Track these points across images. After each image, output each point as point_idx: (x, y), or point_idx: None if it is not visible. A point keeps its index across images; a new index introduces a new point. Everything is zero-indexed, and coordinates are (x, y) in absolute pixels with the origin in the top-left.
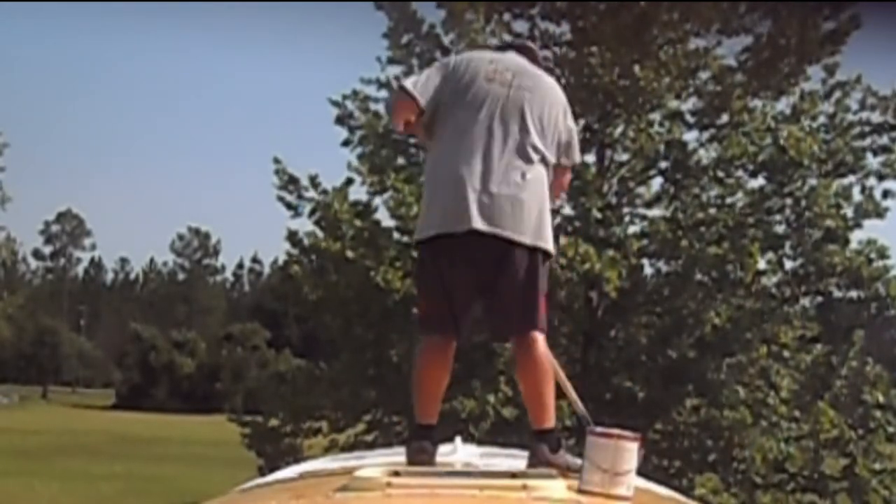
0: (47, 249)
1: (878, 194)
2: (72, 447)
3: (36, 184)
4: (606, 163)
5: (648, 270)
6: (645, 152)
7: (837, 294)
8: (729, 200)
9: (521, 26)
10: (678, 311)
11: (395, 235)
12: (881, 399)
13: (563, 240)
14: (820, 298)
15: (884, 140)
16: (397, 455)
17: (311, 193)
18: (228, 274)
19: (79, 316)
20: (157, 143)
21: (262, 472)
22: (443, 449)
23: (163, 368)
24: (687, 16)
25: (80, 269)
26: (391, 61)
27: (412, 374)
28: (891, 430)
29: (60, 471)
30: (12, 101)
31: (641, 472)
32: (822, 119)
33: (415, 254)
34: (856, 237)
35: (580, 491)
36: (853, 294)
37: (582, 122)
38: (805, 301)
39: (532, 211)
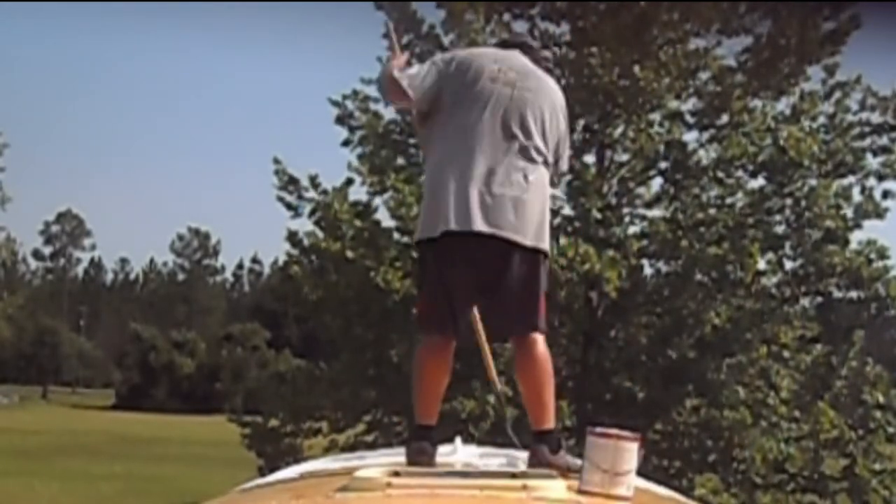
0: (47, 249)
1: (877, 195)
2: (72, 447)
3: (36, 184)
4: (606, 163)
5: (648, 270)
6: (645, 152)
7: (837, 294)
8: (729, 201)
9: (521, 26)
10: (678, 311)
11: (395, 236)
12: (881, 399)
13: (563, 240)
14: (820, 299)
15: (884, 140)
16: (397, 455)
17: (311, 193)
18: (228, 274)
19: (79, 316)
20: (157, 143)
21: (262, 472)
22: (443, 449)
23: (163, 368)
24: (687, 16)
25: (80, 270)
26: None
27: (412, 374)
28: (891, 430)
29: (60, 471)
30: (12, 101)
31: (641, 472)
32: (822, 119)
33: (415, 254)
34: (856, 237)
35: (580, 491)
36: (853, 294)
37: (582, 122)
38: (805, 301)
39: (534, 212)
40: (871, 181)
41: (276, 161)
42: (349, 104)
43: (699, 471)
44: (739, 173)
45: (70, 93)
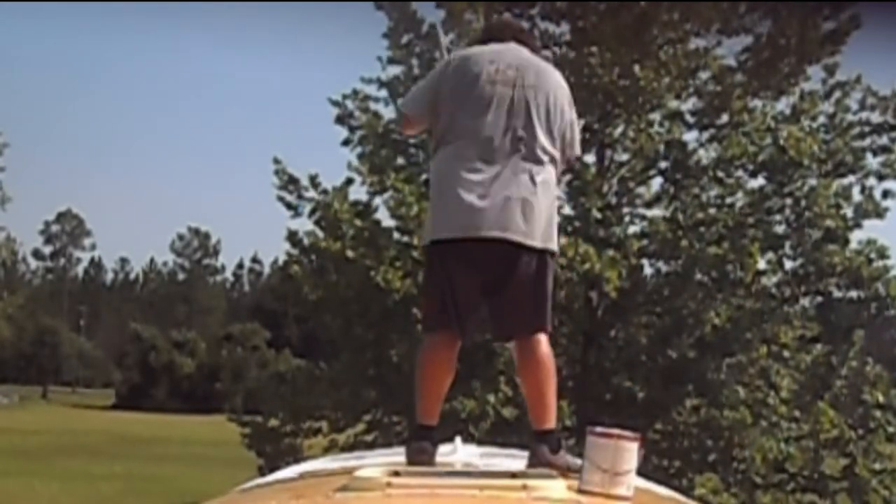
0: (47, 249)
1: (877, 194)
2: (72, 447)
3: (36, 184)
4: (606, 163)
5: (648, 270)
6: (645, 152)
7: (837, 294)
8: (729, 200)
9: None
10: (678, 311)
11: (395, 235)
12: (881, 399)
13: (562, 240)
14: (820, 298)
15: (883, 140)
16: (397, 455)
17: (311, 193)
18: (228, 274)
19: (79, 316)
20: (157, 143)
21: (262, 472)
22: (443, 449)
23: (163, 368)
24: (687, 16)
25: (80, 269)
26: (391, 61)
27: (415, 373)
28: (891, 430)
29: (60, 471)
30: (12, 101)
31: (641, 472)
32: (821, 119)
33: (415, 254)
34: (856, 237)
35: (580, 491)
36: (853, 294)
37: (582, 122)
38: (805, 301)
39: (542, 214)
40: (871, 181)
41: (276, 161)
42: (349, 104)
43: (699, 471)
44: (739, 173)
45: (70, 93)
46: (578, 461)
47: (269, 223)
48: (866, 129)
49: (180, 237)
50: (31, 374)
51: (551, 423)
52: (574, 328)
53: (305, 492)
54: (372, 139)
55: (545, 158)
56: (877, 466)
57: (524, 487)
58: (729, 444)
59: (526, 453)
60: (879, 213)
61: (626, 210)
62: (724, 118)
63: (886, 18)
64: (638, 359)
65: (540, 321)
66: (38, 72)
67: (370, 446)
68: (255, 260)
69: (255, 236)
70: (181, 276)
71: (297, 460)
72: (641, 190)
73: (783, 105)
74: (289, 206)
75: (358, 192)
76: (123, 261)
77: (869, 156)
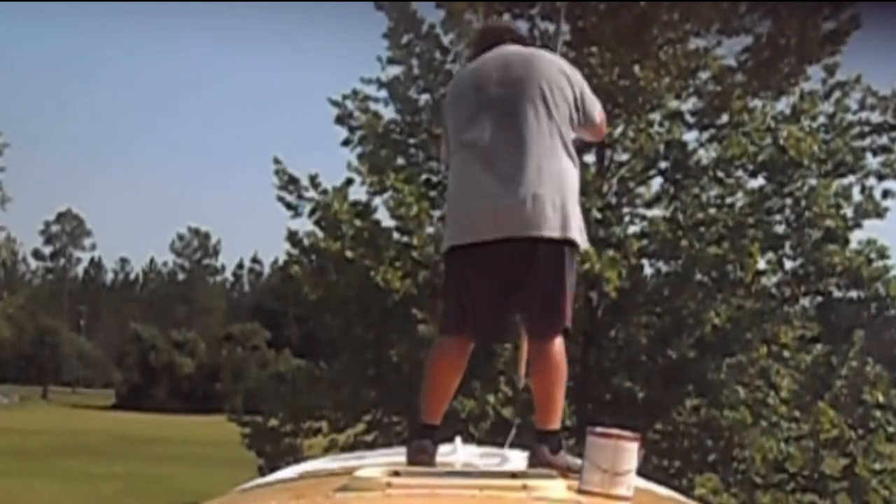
0: (47, 249)
1: (877, 194)
2: (72, 447)
3: (36, 184)
4: (606, 163)
5: (648, 270)
6: (645, 152)
7: (837, 294)
8: (729, 200)
9: (520, 26)
10: (678, 311)
11: (395, 235)
12: (881, 399)
13: None
14: (820, 298)
15: (883, 140)
16: (397, 455)
17: (311, 193)
18: (228, 274)
19: (79, 316)
20: (157, 143)
21: (262, 472)
22: (443, 449)
23: (163, 368)
24: (687, 16)
25: (80, 269)
26: (391, 61)
27: (423, 371)
28: (891, 430)
29: (60, 471)
30: (12, 101)
31: (641, 472)
32: (821, 119)
33: (415, 254)
34: (856, 237)
35: (580, 491)
36: (853, 294)
37: None
38: (805, 301)
39: (555, 203)
40: (871, 181)
41: (277, 161)
42: (349, 104)
43: (699, 471)
44: (739, 173)
45: (70, 93)
46: (578, 461)
47: (269, 223)
48: (866, 129)
49: (180, 237)
50: (31, 374)
51: (555, 424)
52: (574, 328)
53: (305, 492)
54: (372, 139)
55: (550, 146)
56: (877, 466)
57: (524, 487)
58: (729, 444)
59: (526, 453)
60: (879, 213)
61: (626, 210)
62: (724, 118)
63: (886, 18)
64: (638, 359)
65: (557, 322)
66: (38, 72)
67: (370, 446)
68: (255, 260)
69: (255, 236)
70: (181, 277)
71: (297, 460)
72: (641, 190)
73: (783, 105)
74: (289, 206)
75: (358, 193)
76: (123, 261)
77: (869, 156)
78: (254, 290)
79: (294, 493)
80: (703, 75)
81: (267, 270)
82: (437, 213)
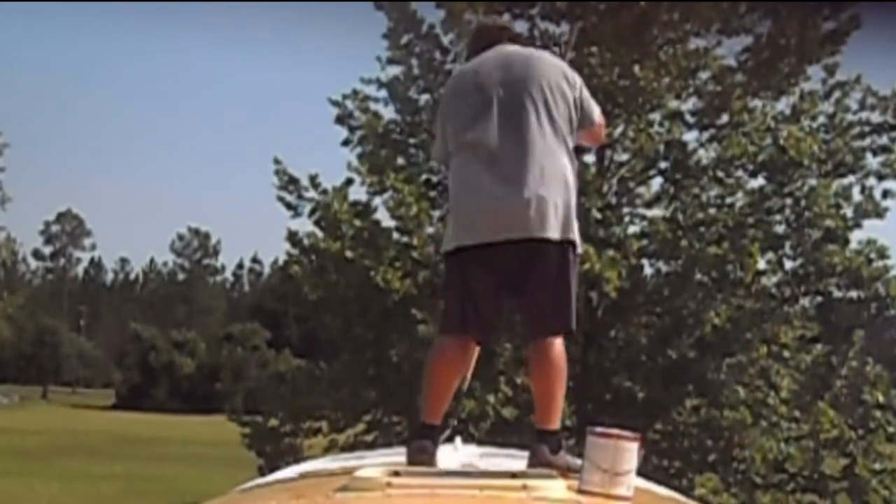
0: (47, 249)
1: (877, 194)
2: (72, 447)
3: (36, 184)
4: (606, 163)
5: (648, 270)
6: (645, 152)
7: (837, 294)
8: (729, 200)
9: (521, 26)
10: (678, 311)
11: (395, 236)
12: (881, 399)
13: None
14: (820, 298)
15: (884, 140)
16: (397, 455)
17: (311, 193)
18: (228, 274)
19: (79, 316)
20: (157, 143)
21: (262, 472)
22: (443, 449)
23: (163, 368)
24: (687, 16)
25: (80, 269)
26: (391, 61)
27: (423, 371)
28: (891, 430)
29: (60, 471)
30: (12, 101)
31: (641, 472)
32: (821, 119)
33: (415, 254)
34: (856, 237)
35: (580, 491)
36: (853, 294)
37: None
38: (805, 301)
39: (557, 205)
40: (871, 181)
41: (277, 161)
42: (349, 104)
43: (699, 471)
44: (739, 173)
45: (70, 93)
46: (578, 461)
47: (269, 223)
48: (866, 129)
49: (180, 237)
50: (31, 374)
51: (555, 424)
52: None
53: (305, 492)
54: (372, 139)
55: (551, 147)
56: (877, 466)
57: (524, 487)
58: (729, 444)
59: (526, 453)
60: (879, 213)
61: (626, 210)
62: (724, 118)
63: (886, 18)
64: (638, 359)
65: (560, 322)
66: (38, 72)
67: (370, 446)
68: (255, 260)
69: (255, 236)
70: (181, 277)
71: (297, 460)
72: (641, 190)
73: (783, 105)
74: (289, 206)
75: (358, 193)
76: (123, 261)
77: (869, 156)
78: (254, 290)
79: (294, 493)
80: (703, 75)
81: (267, 270)
82: (437, 213)
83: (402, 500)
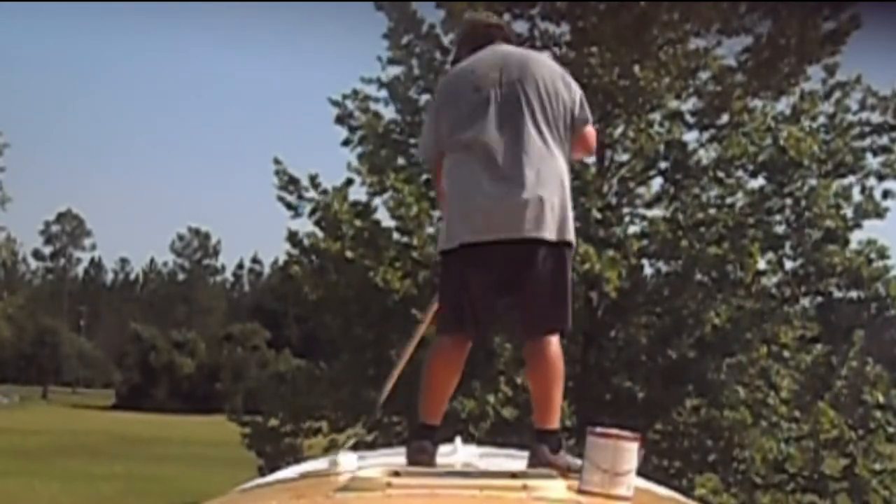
0: (47, 249)
1: (878, 194)
2: (72, 447)
3: (36, 184)
4: (606, 163)
5: (648, 270)
6: (645, 152)
7: (837, 294)
8: (729, 200)
9: (521, 26)
10: (678, 311)
11: (395, 235)
12: (881, 399)
13: None
14: (820, 298)
15: (884, 140)
16: (397, 455)
17: (311, 194)
18: (228, 274)
19: (79, 316)
20: (157, 143)
21: (262, 472)
22: (443, 449)
23: (163, 368)
24: (687, 16)
25: (80, 270)
26: (391, 61)
27: (421, 372)
28: (891, 430)
29: (60, 471)
30: (12, 101)
31: (641, 472)
32: (822, 119)
33: (415, 254)
34: (856, 237)
35: (580, 491)
36: (853, 294)
37: None
38: (805, 301)
39: (554, 206)
40: (871, 181)
41: (277, 161)
42: (349, 104)
43: (699, 471)
44: (739, 173)
45: (70, 93)
46: (578, 461)
47: (269, 223)
48: (866, 129)
49: (180, 237)
50: (31, 374)
51: (554, 423)
52: (574, 328)
53: (305, 492)
54: (372, 139)
55: (547, 148)
56: (877, 466)
57: (524, 487)
58: (729, 444)
59: (526, 453)
60: (879, 213)
61: (626, 210)
62: (724, 118)
63: (886, 18)
64: (638, 359)
65: (555, 321)
66: (38, 72)
67: (370, 446)
68: (255, 260)
69: (255, 236)
70: (181, 277)
71: (297, 460)
72: (641, 190)
73: (783, 105)
74: (289, 206)
75: (358, 193)
76: (123, 261)
77: (869, 156)
78: (254, 290)
79: (294, 493)
80: (703, 75)
81: (267, 270)
82: (437, 213)
83: (402, 500)
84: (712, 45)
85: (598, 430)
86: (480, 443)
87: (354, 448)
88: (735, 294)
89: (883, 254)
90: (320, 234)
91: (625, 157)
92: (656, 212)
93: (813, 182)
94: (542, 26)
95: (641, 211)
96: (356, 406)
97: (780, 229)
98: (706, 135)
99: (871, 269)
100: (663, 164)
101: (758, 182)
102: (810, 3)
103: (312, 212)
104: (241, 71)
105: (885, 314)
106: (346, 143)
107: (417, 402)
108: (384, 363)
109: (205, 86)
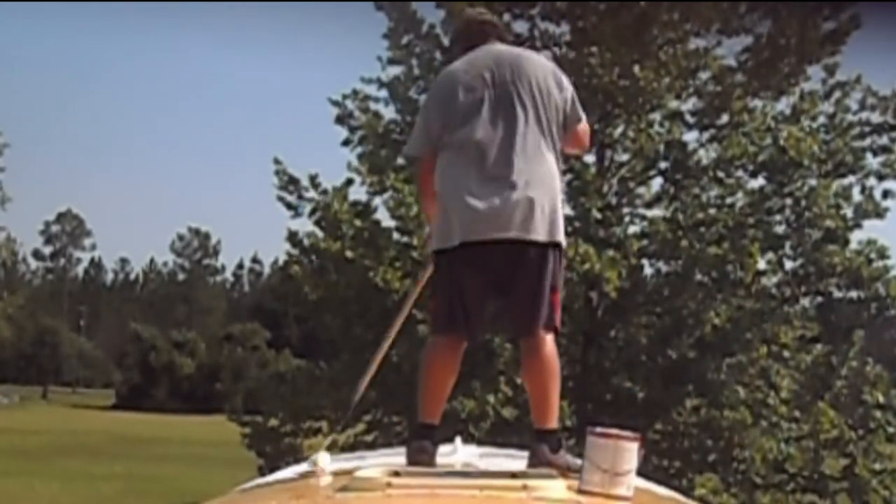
0: (47, 249)
1: (877, 194)
2: (72, 447)
3: (36, 184)
4: (606, 163)
5: (648, 270)
6: (645, 152)
7: (837, 294)
8: (729, 200)
9: (521, 26)
10: (678, 311)
11: (395, 235)
12: (881, 399)
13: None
14: (820, 298)
15: (884, 140)
16: (397, 455)
17: (311, 193)
18: (228, 274)
19: (79, 316)
20: (157, 143)
21: (262, 472)
22: (443, 449)
23: (163, 368)
24: (687, 16)
25: (80, 270)
26: (391, 61)
27: (419, 372)
28: (891, 430)
29: (60, 471)
30: (12, 101)
31: (641, 472)
32: (821, 119)
33: (415, 254)
34: (856, 237)
35: (580, 491)
36: (853, 294)
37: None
38: (805, 301)
39: (544, 207)
40: (871, 181)
41: (277, 161)
42: (349, 104)
43: (699, 471)
44: (739, 173)
45: (70, 93)
46: (578, 461)
47: (269, 223)
48: (866, 129)
49: (180, 237)
50: (31, 374)
51: (553, 422)
52: (574, 328)
53: (305, 492)
54: (372, 139)
55: (539, 149)
56: (877, 466)
57: (524, 487)
58: (729, 444)
59: (526, 453)
60: (879, 213)
61: (626, 210)
62: (724, 118)
63: (886, 18)
64: (638, 359)
65: (546, 320)
66: (38, 72)
67: (370, 446)
68: (255, 260)
69: (255, 236)
70: (181, 277)
71: (297, 460)
72: (641, 190)
73: (783, 105)
74: (289, 206)
75: (358, 193)
76: (123, 261)
77: (869, 156)
78: (254, 290)
79: (294, 493)
80: (703, 75)
81: (267, 270)
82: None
83: (402, 500)
84: (712, 45)
85: (598, 430)
86: (480, 443)
87: (330, 448)
88: (735, 294)
89: (883, 254)
90: (320, 234)
91: (625, 157)
92: (656, 212)
93: (813, 182)
94: (542, 26)
95: (641, 211)
96: (356, 406)
97: (780, 229)
98: (706, 135)
99: (871, 269)
100: (663, 164)
101: (758, 182)
102: (810, 3)
103: (312, 212)
104: (241, 71)
105: (885, 314)
106: (346, 143)
107: (417, 403)
108: (384, 363)
109: (205, 86)
